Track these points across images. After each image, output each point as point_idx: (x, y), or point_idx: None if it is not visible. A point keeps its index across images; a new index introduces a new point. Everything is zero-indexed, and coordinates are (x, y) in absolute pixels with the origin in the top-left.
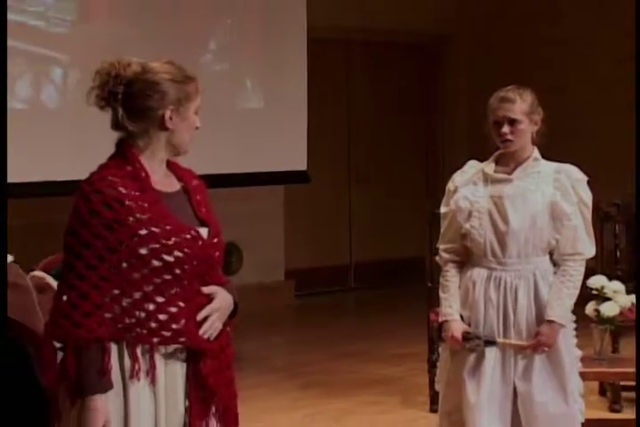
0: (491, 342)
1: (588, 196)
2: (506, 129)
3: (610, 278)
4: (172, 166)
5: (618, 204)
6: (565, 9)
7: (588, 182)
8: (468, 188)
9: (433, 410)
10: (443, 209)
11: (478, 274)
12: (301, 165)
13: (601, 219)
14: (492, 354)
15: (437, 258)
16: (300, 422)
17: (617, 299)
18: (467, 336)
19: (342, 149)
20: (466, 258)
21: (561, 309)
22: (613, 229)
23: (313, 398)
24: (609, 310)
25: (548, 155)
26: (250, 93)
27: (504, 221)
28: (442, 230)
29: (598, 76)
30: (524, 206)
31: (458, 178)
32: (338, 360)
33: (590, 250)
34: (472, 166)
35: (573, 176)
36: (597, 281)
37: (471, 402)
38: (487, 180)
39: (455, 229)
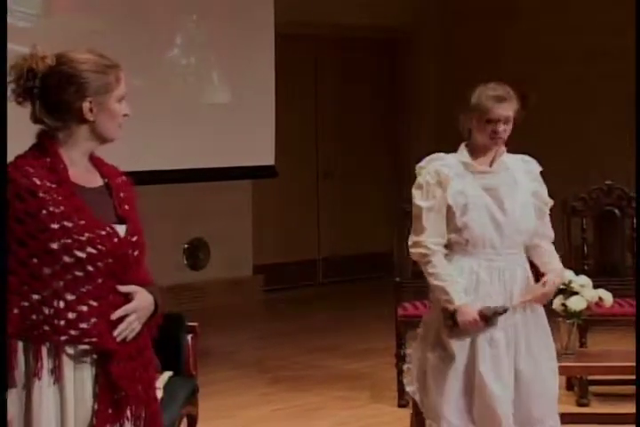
0: (505, 310)
1: None
2: (502, 128)
3: (577, 273)
4: (95, 162)
5: (584, 198)
6: (532, 3)
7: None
8: (457, 181)
9: (401, 405)
10: (424, 203)
11: (479, 265)
12: (269, 159)
13: (567, 213)
14: (500, 336)
15: (420, 251)
16: (269, 417)
17: (584, 293)
18: (485, 317)
19: (310, 143)
20: (449, 250)
21: (557, 264)
22: (580, 224)
23: (282, 393)
24: (576, 304)
25: (513, 149)
26: (217, 88)
27: (502, 212)
28: (425, 223)
29: (566, 70)
30: (516, 197)
31: (441, 170)
32: (306, 355)
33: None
34: (446, 159)
35: (538, 167)
36: (564, 275)
37: (497, 394)
38: (472, 172)
39: (443, 223)
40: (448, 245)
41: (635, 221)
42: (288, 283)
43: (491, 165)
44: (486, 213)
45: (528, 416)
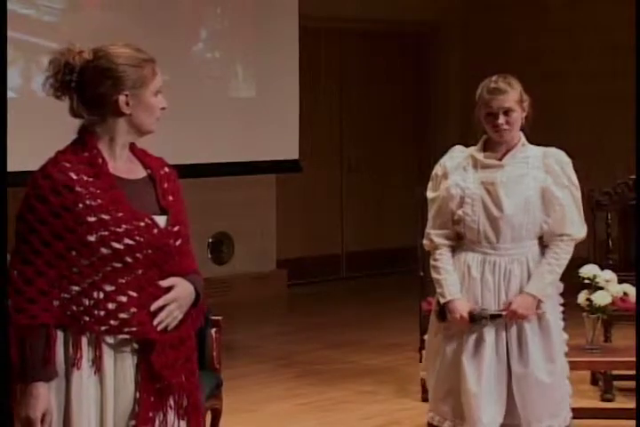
0: (497, 316)
1: (575, 177)
2: (502, 120)
3: (602, 268)
4: (138, 153)
5: (609, 192)
6: None
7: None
8: (459, 173)
9: (426, 399)
10: (431, 194)
11: (473, 259)
12: (293, 154)
13: (592, 208)
14: (490, 337)
15: (427, 242)
16: (293, 412)
17: (609, 288)
18: (474, 317)
19: (334, 138)
20: (456, 243)
21: (538, 283)
22: (605, 218)
23: (306, 388)
24: (601, 299)
25: (538, 143)
26: (241, 82)
27: (497, 207)
28: (431, 215)
29: (589, 64)
30: (517, 192)
31: (448, 163)
32: (331, 350)
33: (580, 231)
34: (460, 151)
35: (561, 159)
36: (589, 270)
37: (472, 390)
38: (477, 165)
39: (446, 215)
40: (454, 238)
41: None
42: (312, 277)
43: (502, 159)
44: (481, 207)
45: (526, 416)
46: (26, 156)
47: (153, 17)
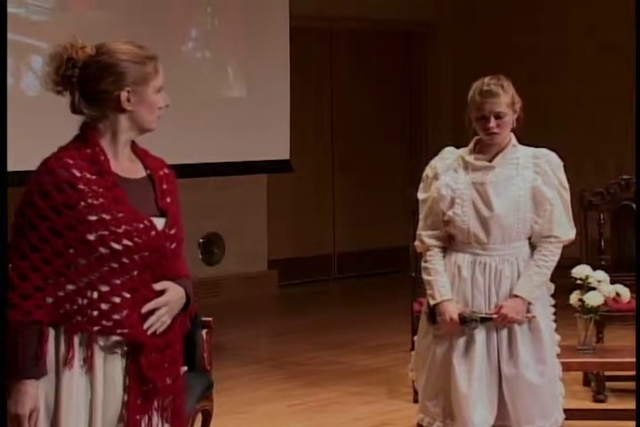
0: (488, 319)
1: (565, 179)
2: (493, 123)
3: (594, 268)
4: (140, 153)
5: (602, 192)
6: None
7: (564, 167)
8: (449, 175)
9: (417, 400)
10: (422, 195)
11: (463, 259)
12: (284, 154)
13: (584, 208)
14: (480, 338)
15: (418, 243)
16: (284, 413)
17: (601, 288)
18: (464, 319)
19: (325, 138)
20: (447, 244)
21: (527, 285)
22: (597, 218)
23: (297, 389)
24: (593, 299)
25: (530, 143)
26: (232, 82)
27: (488, 208)
28: (422, 216)
29: (581, 64)
30: (507, 192)
31: (438, 164)
32: (322, 351)
33: (568, 233)
34: (450, 153)
35: (552, 161)
36: (581, 271)
37: (463, 391)
38: (467, 167)
39: (437, 216)
40: (445, 239)
41: None
42: (303, 278)
43: (492, 160)
44: (472, 208)
45: (517, 418)
46: (13, 155)
47: (143, 16)
